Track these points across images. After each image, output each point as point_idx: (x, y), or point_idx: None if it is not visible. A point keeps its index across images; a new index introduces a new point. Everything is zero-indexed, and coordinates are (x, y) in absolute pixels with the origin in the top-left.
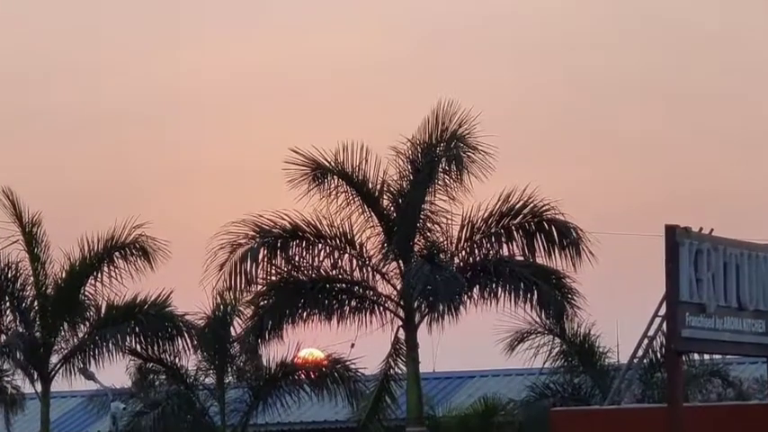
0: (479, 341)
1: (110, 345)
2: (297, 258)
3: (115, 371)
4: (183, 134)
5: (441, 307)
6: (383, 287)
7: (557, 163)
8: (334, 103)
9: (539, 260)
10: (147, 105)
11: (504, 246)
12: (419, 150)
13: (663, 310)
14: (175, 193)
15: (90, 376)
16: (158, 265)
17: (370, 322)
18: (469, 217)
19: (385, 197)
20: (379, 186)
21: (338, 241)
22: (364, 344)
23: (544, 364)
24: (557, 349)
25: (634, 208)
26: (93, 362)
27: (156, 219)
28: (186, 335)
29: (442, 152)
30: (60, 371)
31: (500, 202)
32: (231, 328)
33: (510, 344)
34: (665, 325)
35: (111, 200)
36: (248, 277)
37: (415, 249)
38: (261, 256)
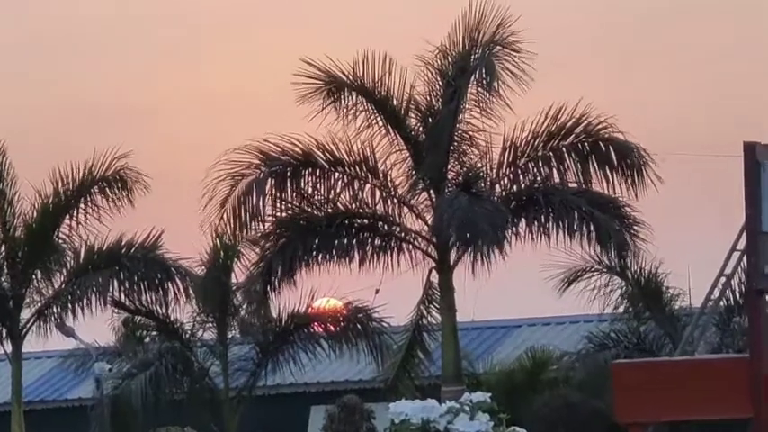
0: (526, 284)
1: (91, 295)
2: (310, 190)
3: (98, 326)
4: (180, 57)
5: (481, 245)
6: (412, 222)
7: (612, 76)
8: (350, 6)
9: (595, 187)
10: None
11: (554, 171)
12: (450, 60)
13: (742, 243)
14: (167, 123)
15: (68, 332)
16: (144, 201)
17: (398, 264)
18: (512, 138)
19: (412, 116)
20: (404, 103)
21: (358, 169)
22: (391, 290)
23: (603, 309)
24: (618, 291)
25: (704, 126)
26: (71, 316)
27: (144, 150)
28: (180, 283)
29: (476, 61)
30: (33, 327)
31: (548, 121)
32: (233, 275)
33: (562, 285)
34: (744, 261)
35: (89, 127)
36: (253, 214)
37: (449, 177)
38: (268, 189)
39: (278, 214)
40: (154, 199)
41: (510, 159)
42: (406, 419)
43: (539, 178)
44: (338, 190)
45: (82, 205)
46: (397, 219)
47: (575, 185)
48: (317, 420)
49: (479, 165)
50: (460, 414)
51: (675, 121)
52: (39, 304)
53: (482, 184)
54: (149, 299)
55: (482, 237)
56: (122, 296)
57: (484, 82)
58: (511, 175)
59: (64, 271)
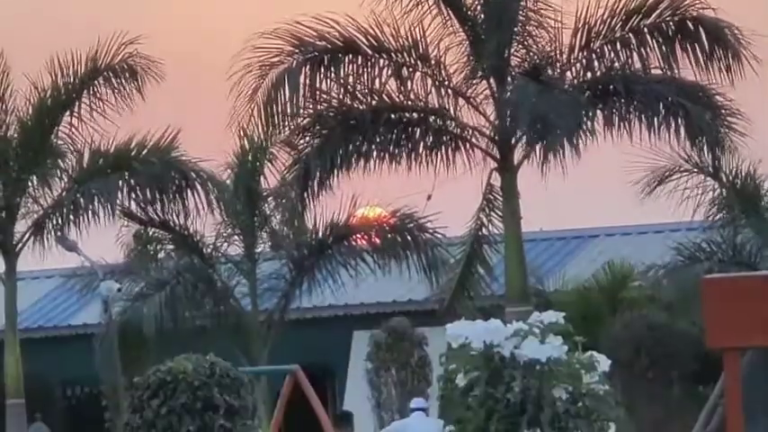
0: (603, 188)
1: (97, 204)
2: (351, 80)
3: (105, 240)
4: None
5: (553, 140)
6: (470, 116)
7: None
8: None
9: (683, 73)
10: None
11: (635, 55)
12: None
13: None
14: (184, 2)
15: (71, 247)
16: (158, 94)
17: (453, 165)
18: (585, 17)
19: None
20: None
21: (406, 55)
22: (445, 196)
23: (693, 216)
24: (711, 195)
25: None
26: (74, 228)
27: (157, 35)
28: (201, 189)
29: None
30: (30, 242)
31: None
32: (264, 180)
33: (645, 189)
34: None
35: (93, 8)
36: (286, 108)
37: (513, 64)
38: (302, 79)
39: (314, 108)
40: (170, 92)
41: (583, 42)
42: (465, 344)
43: (617, 64)
44: (383, 79)
45: (85, 99)
46: (453, 112)
47: (659, 72)
48: (360, 348)
49: (548, 49)
50: (529, 337)
51: None
52: (36, 215)
53: (552, 72)
54: (165, 208)
55: (553, 132)
56: (133, 205)
57: None
58: (584, 61)
59: (65, 176)
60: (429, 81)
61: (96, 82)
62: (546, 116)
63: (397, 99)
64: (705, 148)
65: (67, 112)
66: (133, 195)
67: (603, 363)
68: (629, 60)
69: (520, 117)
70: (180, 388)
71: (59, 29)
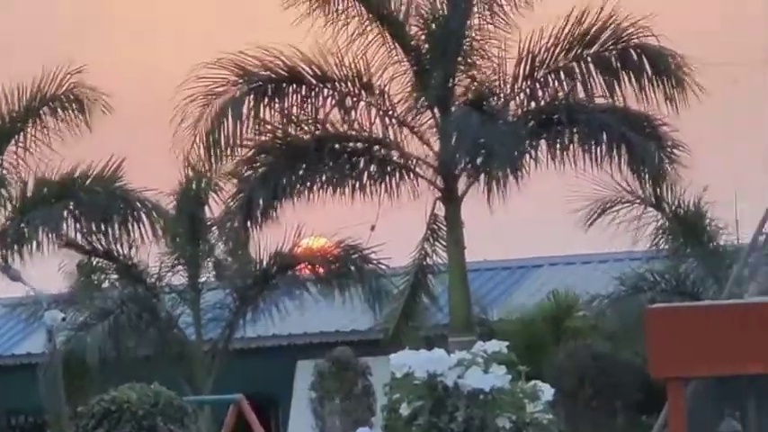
0: (547, 218)
1: (41, 234)
2: (295, 110)
3: (49, 269)
4: None
5: (495, 170)
6: (414, 146)
7: None
8: None
9: (628, 103)
10: None
11: (579, 85)
12: None
13: None
14: (129, 34)
15: (15, 277)
16: (103, 124)
17: (397, 195)
18: (528, 47)
19: (413, 22)
20: (404, 7)
21: (350, 85)
22: (389, 226)
23: (636, 245)
24: (654, 225)
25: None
26: (18, 258)
27: (103, 66)
28: (146, 218)
29: None
30: None
31: (570, 26)
32: (208, 209)
33: (588, 219)
34: None
35: (38, 39)
36: (230, 138)
37: (456, 93)
38: (246, 109)
39: (258, 138)
40: (115, 122)
41: (527, 71)
42: (409, 373)
43: (560, 93)
44: (327, 109)
45: (30, 129)
46: (397, 142)
47: (603, 101)
48: (304, 377)
49: (492, 78)
50: (473, 366)
51: (720, 23)
52: None
53: (495, 101)
54: (109, 238)
55: (496, 161)
56: (77, 235)
57: None
58: (528, 90)
59: (8, 205)
60: (373, 111)
61: (42, 111)
62: (488, 146)
63: (341, 129)
64: (647, 178)
65: (12, 142)
66: (77, 225)
67: (547, 392)
68: (573, 89)
69: (462, 146)
70: (124, 417)
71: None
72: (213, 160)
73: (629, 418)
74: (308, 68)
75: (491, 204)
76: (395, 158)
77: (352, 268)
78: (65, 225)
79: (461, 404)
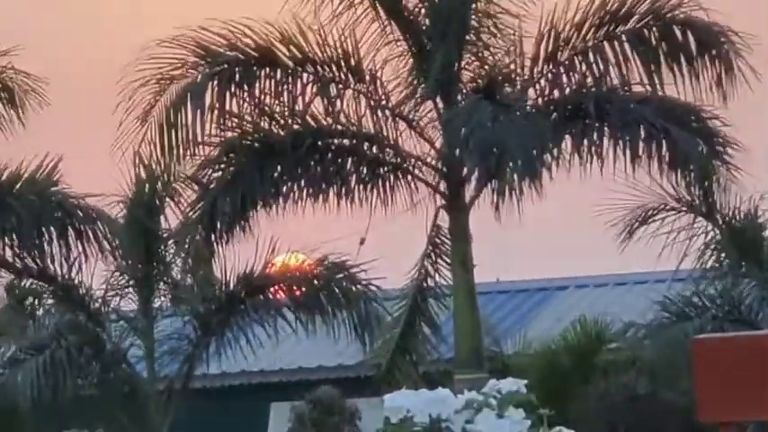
0: (573, 231)
1: None
2: (268, 99)
3: None
4: None
5: (510, 174)
6: (412, 144)
7: None
8: None
9: (668, 91)
10: None
11: (611, 69)
12: None
13: None
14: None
15: None
16: (35, 116)
17: (392, 202)
18: (552, 23)
19: None
20: None
21: (335, 69)
22: (382, 240)
23: (681, 262)
24: (702, 239)
25: None
26: None
27: (35, 46)
28: (89, 230)
29: None
30: None
31: None
32: (163, 219)
33: (623, 232)
34: None
35: None
36: (189, 132)
37: (464, 79)
38: (209, 97)
39: (224, 133)
40: (51, 113)
41: (549, 52)
42: (407, 418)
43: (589, 79)
44: (307, 98)
45: None
46: (392, 138)
47: (640, 89)
48: (279, 423)
49: (506, 61)
50: (484, 409)
51: None
52: None
53: (510, 89)
54: (44, 254)
55: (510, 162)
56: (5, 250)
57: None
58: (550, 75)
59: None
60: (363, 100)
61: None
62: (502, 143)
63: (324, 122)
64: (694, 182)
65: None
66: (5, 239)
67: None
68: (605, 74)
69: (469, 144)
70: None
71: None
72: (169, 160)
73: None
74: (283, 48)
75: (504, 214)
76: (389, 158)
77: (337, 291)
78: None
79: None
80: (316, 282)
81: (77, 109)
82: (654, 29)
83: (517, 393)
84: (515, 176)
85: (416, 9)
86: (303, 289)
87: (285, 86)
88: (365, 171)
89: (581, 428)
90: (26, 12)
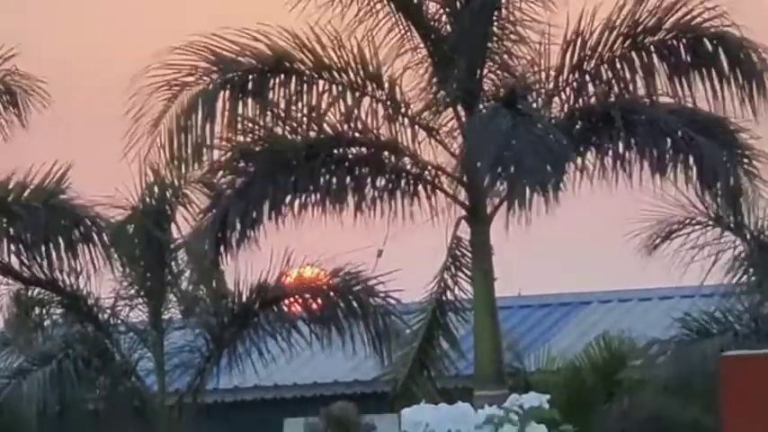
0: (596, 245)
1: None
2: (283, 106)
3: None
4: None
5: (525, 187)
6: (432, 153)
7: None
8: None
9: (698, 103)
10: None
11: (638, 79)
12: None
13: None
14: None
15: None
16: (43, 121)
17: (410, 213)
18: (578, 31)
19: None
20: None
21: (353, 75)
22: (401, 252)
23: (706, 277)
24: (730, 252)
25: None
26: None
27: (42, 48)
28: (97, 239)
29: None
30: None
31: (630, 6)
32: (173, 227)
33: (649, 246)
34: None
35: None
36: (201, 139)
37: (485, 88)
38: (221, 104)
39: (236, 140)
40: (58, 119)
41: (574, 61)
42: None
43: (615, 89)
44: (324, 106)
45: None
46: (411, 147)
47: (667, 100)
48: None
49: (530, 70)
50: (505, 425)
51: None
52: None
53: (533, 98)
54: (52, 264)
55: (527, 176)
56: (11, 258)
57: None
58: (575, 84)
59: None
60: (381, 108)
61: None
62: (517, 155)
63: (341, 130)
64: (721, 195)
65: None
66: (12, 248)
67: None
68: (632, 85)
69: (484, 156)
70: None
71: None
72: (179, 167)
73: None
74: (299, 55)
75: (525, 226)
76: (408, 168)
77: (354, 303)
78: None
79: None
80: (331, 294)
81: (88, 114)
82: (683, 41)
83: (539, 409)
84: (530, 190)
85: (438, 15)
86: (318, 301)
87: (300, 94)
88: (383, 181)
89: None
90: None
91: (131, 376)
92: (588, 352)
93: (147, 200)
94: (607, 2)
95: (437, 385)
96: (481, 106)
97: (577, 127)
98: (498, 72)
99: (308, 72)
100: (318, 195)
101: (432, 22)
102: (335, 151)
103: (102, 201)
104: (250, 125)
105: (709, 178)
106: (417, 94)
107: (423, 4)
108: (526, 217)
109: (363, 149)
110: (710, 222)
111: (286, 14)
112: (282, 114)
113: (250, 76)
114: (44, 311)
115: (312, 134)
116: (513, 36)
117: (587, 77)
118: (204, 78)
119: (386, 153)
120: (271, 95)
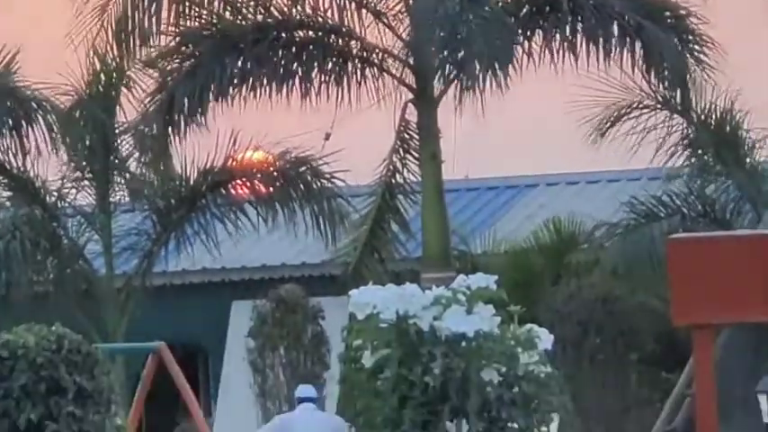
0: (543, 128)
1: None
2: None
3: None
4: None
5: (475, 70)
6: (379, 36)
7: None
8: None
9: None
10: None
11: None
12: None
13: None
14: None
15: None
16: None
17: (358, 96)
18: None
19: None
20: None
21: None
22: (349, 135)
23: (653, 160)
24: (676, 136)
25: None
26: None
27: None
28: (43, 122)
29: None
30: None
31: None
32: (119, 110)
33: (596, 129)
34: None
35: None
36: (147, 22)
37: None
38: None
39: (184, 24)
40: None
41: None
42: (373, 314)
43: None
44: None
45: None
46: (358, 30)
47: None
48: (240, 321)
49: None
50: (453, 305)
51: None
52: None
53: None
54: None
55: (477, 58)
56: None
57: None
58: None
59: None
60: None
61: None
62: (468, 38)
63: (288, 13)
64: (669, 78)
65: None
66: None
67: (545, 339)
68: None
69: (433, 38)
70: (19, 366)
71: None
72: (126, 50)
73: (644, 374)
74: None
75: (473, 110)
76: (355, 50)
77: (302, 186)
78: None
79: (438, 353)
80: (279, 177)
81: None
82: None
83: (487, 290)
84: (481, 72)
85: None
86: (266, 184)
87: None
88: (330, 64)
89: (551, 329)
90: None
91: (79, 259)
92: (536, 235)
93: (93, 84)
94: None
95: (387, 268)
96: None
97: (524, 11)
98: None
99: None
100: (266, 79)
101: None
102: (283, 35)
103: (49, 84)
104: (196, 8)
105: (657, 62)
106: None
107: None
108: (481, 97)
109: (311, 33)
110: (658, 106)
111: None
112: None
113: None
114: None
115: (259, 18)
116: None
117: None
118: None
119: (333, 36)
120: None
